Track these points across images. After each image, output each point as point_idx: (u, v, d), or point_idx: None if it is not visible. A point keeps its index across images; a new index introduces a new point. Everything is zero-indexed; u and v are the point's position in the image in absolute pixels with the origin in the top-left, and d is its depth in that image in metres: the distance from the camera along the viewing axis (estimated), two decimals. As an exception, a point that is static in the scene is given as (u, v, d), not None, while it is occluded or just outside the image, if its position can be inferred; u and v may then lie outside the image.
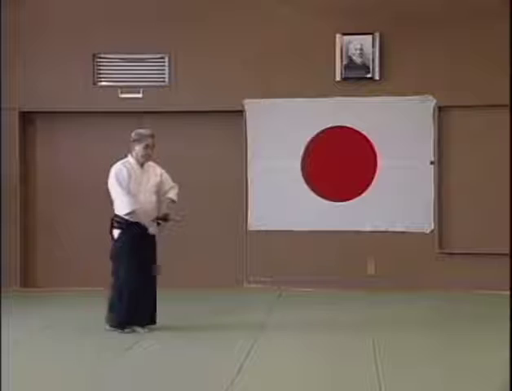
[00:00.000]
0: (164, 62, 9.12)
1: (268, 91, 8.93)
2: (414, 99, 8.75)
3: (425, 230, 8.79)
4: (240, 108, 8.98)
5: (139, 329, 6.43)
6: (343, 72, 8.82)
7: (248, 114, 9.00)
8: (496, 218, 8.73)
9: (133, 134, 6.60)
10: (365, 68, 8.80)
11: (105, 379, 5.24)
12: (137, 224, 6.39)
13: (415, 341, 6.28)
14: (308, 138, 8.95)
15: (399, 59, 8.79)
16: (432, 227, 8.79)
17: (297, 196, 8.93)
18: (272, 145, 8.99)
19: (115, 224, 6.47)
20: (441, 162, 8.80)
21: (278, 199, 8.95)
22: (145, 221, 6.44)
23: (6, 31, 8.96)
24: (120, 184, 6.40)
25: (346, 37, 8.79)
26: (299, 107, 8.92)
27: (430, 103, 8.76)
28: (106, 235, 9.17)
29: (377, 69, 8.75)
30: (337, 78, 8.84)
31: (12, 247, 9.07)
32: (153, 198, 6.56)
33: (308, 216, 8.89)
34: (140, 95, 9.12)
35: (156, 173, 6.67)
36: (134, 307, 6.40)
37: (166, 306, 8.01)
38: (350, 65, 8.82)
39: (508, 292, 8.36)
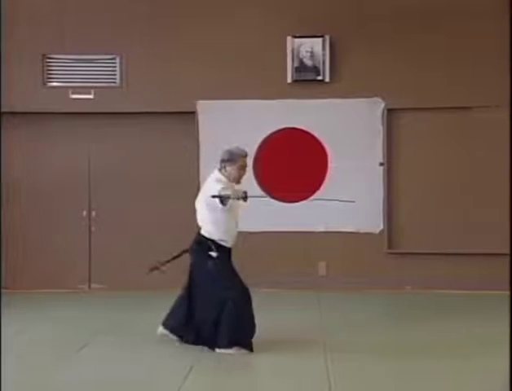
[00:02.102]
0: (115, 63, 9.07)
1: (220, 93, 8.96)
2: (364, 102, 8.89)
3: (374, 231, 8.94)
4: (192, 109, 9.00)
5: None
6: (294, 74, 8.90)
7: (200, 115, 9.02)
8: (443, 219, 8.92)
9: (224, 154, 6.07)
10: (316, 70, 8.90)
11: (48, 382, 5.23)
12: (227, 248, 6.10)
13: (365, 341, 6.39)
14: (260, 140, 9.01)
15: (348, 61, 8.91)
16: (382, 227, 8.94)
17: (250, 197, 8.96)
18: (225, 146, 8.97)
19: (209, 248, 6.01)
20: (390, 163, 8.95)
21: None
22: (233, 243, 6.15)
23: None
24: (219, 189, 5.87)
25: (297, 40, 8.87)
26: (251, 108, 8.97)
27: (379, 105, 8.90)
28: (63, 237, 9.18)
29: (327, 72, 8.86)
30: (289, 80, 8.92)
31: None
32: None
33: (260, 217, 8.93)
34: (91, 96, 9.06)
35: None
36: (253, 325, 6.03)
37: (116, 309, 8.04)
38: (301, 67, 8.91)
39: (452, 291, 8.63)
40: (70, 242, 9.21)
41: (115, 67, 9.07)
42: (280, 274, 8.90)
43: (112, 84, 9.09)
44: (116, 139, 9.25)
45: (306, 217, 8.92)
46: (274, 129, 9.02)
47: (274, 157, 9.01)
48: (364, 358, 5.76)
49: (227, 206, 5.85)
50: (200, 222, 6.15)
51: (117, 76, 9.07)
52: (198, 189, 8.93)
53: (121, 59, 9.04)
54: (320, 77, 8.89)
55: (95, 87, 9.07)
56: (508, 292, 8.54)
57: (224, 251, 6.05)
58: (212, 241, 6.00)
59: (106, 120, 9.15)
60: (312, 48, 8.86)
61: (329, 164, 8.97)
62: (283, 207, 8.91)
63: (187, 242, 8.98)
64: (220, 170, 6.10)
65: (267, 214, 8.92)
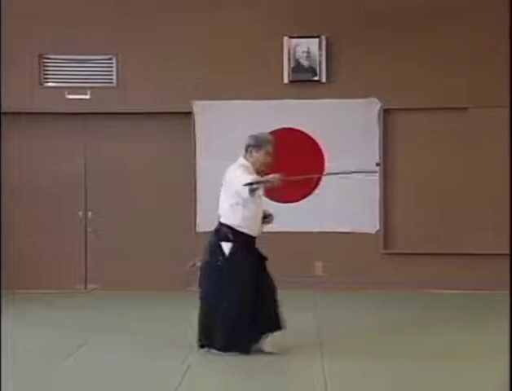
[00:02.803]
0: (112, 63, 9.07)
1: (217, 93, 8.97)
2: (360, 102, 8.89)
3: (371, 231, 8.95)
4: (189, 110, 9.00)
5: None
6: (291, 74, 8.92)
7: (196, 115, 9.03)
8: (439, 219, 8.93)
9: (250, 139, 5.81)
10: (312, 70, 8.91)
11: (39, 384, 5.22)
12: (248, 237, 5.77)
13: (362, 341, 6.39)
14: (256, 140, 9.01)
15: (345, 62, 8.92)
16: (378, 228, 8.95)
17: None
18: (221, 146, 9.00)
19: (225, 236, 5.70)
20: (386, 164, 8.97)
21: (227, 200, 8.98)
22: (256, 232, 5.83)
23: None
24: (240, 175, 5.62)
25: (294, 40, 8.88)
26: (247, 108, 8.97)
27: (375, 105, 8.92)
28: (59, 238, 9.16)
29: (323, 72, 8.87)
30: (285, 81, 8.93)
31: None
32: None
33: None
34: (88, 96, 9.06)
35: None
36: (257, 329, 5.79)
37: (113, 309, 8.04)
38: (297, 68, 8.92)
39: (448, 291, 8.65)
40: (66, 242, 9.20)
41: (111, 67, 9.07)
42: (276, 274, 8.87)
43: (109, 84, 9.08)
44: (112, 140, 9.24)
45: (303, 217, 8.92)
46: (271, 130, 8.94)
47: (270, 157, 9.00)
48: (360, 359, 5.75)
49: (254, 196, 5.60)
50: (220, 211, 5.83)
51: (114, 77, 9.07)
52: (195, 189, 9.06)
53: (117, 59, 9.04)
54: (316, 78, 8.90)
55: (92, 87, 9.07)
56: (504, 292, 8.60)
57: (244, 239, 5.70)
58: (230, 228, 5.70)
59: (102, 120, 9.15)
60: (309, 48, 8.88)
61: (326, 164, 8.97)
62: (279, 207, 8.89)
63: (184, 242, 9.07)
64: (245, 156, 5.81)
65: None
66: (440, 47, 8.85)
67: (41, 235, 9.18)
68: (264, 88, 8.90)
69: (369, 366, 5.54)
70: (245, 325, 5.72)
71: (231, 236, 5.68)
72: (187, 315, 7.58)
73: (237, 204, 5.68)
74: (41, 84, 9.07)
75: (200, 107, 9.01)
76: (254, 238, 5.83)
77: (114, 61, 9.05)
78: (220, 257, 5.71)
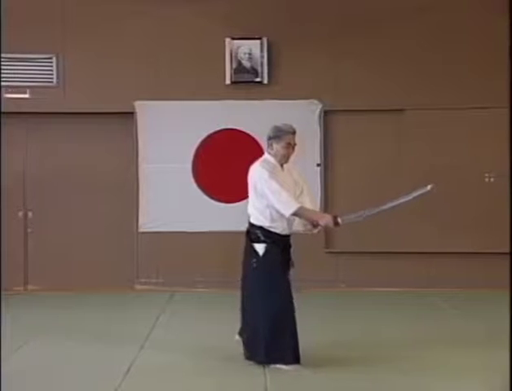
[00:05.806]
0: (52, 62, 8.97)
1: (159, 93, 8.97)
2: (301, 103, 8.99)
3: (313, 230, 9.01)
4: (131, 110, 8.97)
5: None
6: (233, 75, 8.97)
7: (139, 116, 9.01)
8: (379, 218, 9.04)
9: (270, 131, 5.56)
10: (254, 72, 8.99)
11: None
12: (280, 236, 5.52)
13: (306, 344, 6.41)
14: (199, 141, 9.05)
15: (286, 63, 9.02)
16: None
17: (189, 198, 9.01)
18: (163, 147, 9.03)
19: (256, 237, 5.49)
20: (327, 164, 9.10)
21: (169, 200, 9.00)
22: (289, 230, 5.59)
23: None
24: (272, 186, 5.37)
25: (236, 42, 8.94)
26: (190, 109, 9.00)
27: (316, 106, 9.04)
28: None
29: (265, 73, 8.96)
30: (227, 82, 8.99)
31: None
32: None
33: (199, 217, 8.99)
34: (27, 96, 8.95)
35: (294, 174, 5.70)
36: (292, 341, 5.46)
37: (53, 310, 7.95)
38: (239, 69, 8.98)
39: (390, 289, 8.81)
40: (5, 243, 9.04)
41: (51, 66, 8.97)
42: (219, 274, 8.92)
43: (49, 83, 8.98)
44: (53, 140, 9.15)
45: (242, 217, 8.94)
46: (212, 131, 9.06)
47: (213, 158, 9.05)
48: (304, 364, 5.54)
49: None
50: (249, 210, 5.60)
51: (54, 76, 8.97)
52: (137, 189, 9.04)
53: (57, 58, 8.95)
54: (258, 79, 8.98)
55: (31, 87, 8.96)
56: (440, 290, 8.83)
57: (275, 239, 5.49)
58: (261, 228, 5.48)
59: (42, 120, 9.05)
60: (251, 50, 8.95)
61: (267, 165, 9.03)
62: (222, 207, 8.97)
63: (125, 242, 9.04)
64: (267, 150, 5.60)
65: (206, 214, 8.96)
66: (379, 50, 9.03)
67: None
68: (206, 89, 8.94)
69: (313, 374, 5.44)
70: (286, 335, 5.44)
71: (262, 237, 5.48)
72: (129, 315, 7.64)
73: (267, 206, 5.45)
74: (-22, 83, 8.92)
75: (142, 108, 8.99)
76: (287, 236, 5.63)
77: (54, 60, 8.96)
78: (253, 259, 5.51)
